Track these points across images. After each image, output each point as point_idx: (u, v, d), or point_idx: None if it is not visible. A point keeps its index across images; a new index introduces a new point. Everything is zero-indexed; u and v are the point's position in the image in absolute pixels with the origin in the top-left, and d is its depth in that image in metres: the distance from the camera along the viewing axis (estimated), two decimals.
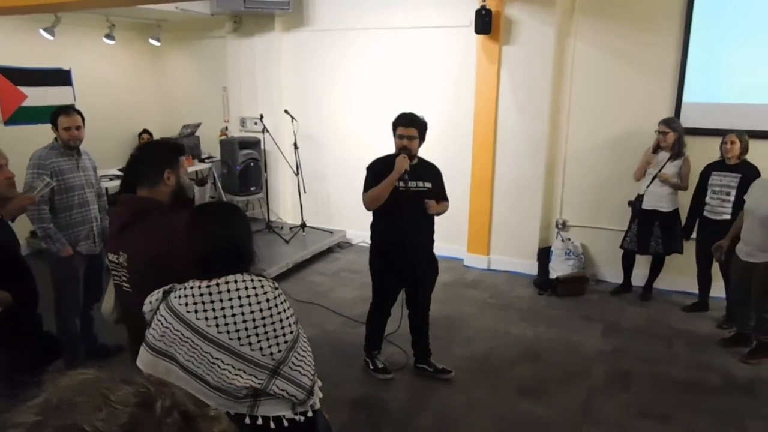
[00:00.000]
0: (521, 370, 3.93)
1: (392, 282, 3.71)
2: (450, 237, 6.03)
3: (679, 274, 5.20)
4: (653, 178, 4.82)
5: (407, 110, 3.57)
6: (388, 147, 3.65)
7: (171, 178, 2.16)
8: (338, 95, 6.43)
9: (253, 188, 6.65)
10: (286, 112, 6.32)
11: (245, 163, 6.49)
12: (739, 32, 4.77)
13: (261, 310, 1.70)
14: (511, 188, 5.64)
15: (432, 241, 3.74)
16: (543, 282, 5.34)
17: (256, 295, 1.71)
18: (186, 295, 1.70)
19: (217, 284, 1.70)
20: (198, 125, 7.14)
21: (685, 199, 4.82)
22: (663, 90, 5.07)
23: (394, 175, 3.41)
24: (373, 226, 3.69)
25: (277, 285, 1.81)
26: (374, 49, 6.16)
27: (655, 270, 5.09)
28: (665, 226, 4.84)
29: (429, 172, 3.62)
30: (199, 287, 1.70)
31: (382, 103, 5.93)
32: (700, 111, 4.98)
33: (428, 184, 3.57)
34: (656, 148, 4.83)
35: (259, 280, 1.75)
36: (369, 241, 3.79)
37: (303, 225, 6.45)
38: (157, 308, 1.74)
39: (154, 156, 2.20)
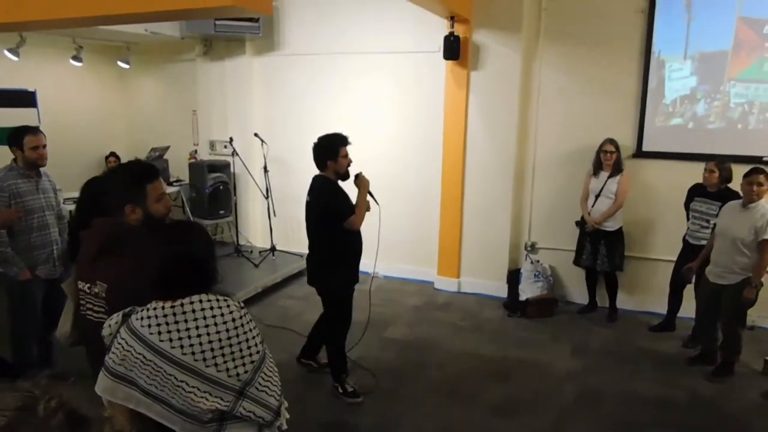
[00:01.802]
0: (493, 392, 3.92)
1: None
2: (420, 260, 6.05)
3: (644, 294, 5.31)
4: (597, 198, 5.00)
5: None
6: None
7: (136, 210, 2.02)
8: (308, 119, 6.42)
9: (222, 212, 6.57)
10: (255, 135, 6.30)
11: (214, 187, 6.42)
12: None
13: (227, 330, 1.66)
14: (480, 211, 5.69)
15: None
16: (513, 304, 5.37)
17: (222, 315, 1.67)
18: (149, 317, 1.65)
19: (182, 304, 1.66)
20: (167, 148, 7.04)
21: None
22: (626, 113, 5.23)
23: (365, 192, 3.65)
24: (336, 249, 3.64)
25: (242, 305, 1.78)
26: (345, 73, 6.20)
27: (611, 289, 5.19)
28: (609, 244, 5.00)
29: None
30: (163, 308, 1.65)
31: (352, 126, 5.92)
32: (661, 134, 5.14)
33: None
34: (597, 169, 5.01)
35: (225, 300, 1.71)
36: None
37: (273, 249, 6.39)
38: (117, 331, 1.68)
39: (115, 187, 2.06)
